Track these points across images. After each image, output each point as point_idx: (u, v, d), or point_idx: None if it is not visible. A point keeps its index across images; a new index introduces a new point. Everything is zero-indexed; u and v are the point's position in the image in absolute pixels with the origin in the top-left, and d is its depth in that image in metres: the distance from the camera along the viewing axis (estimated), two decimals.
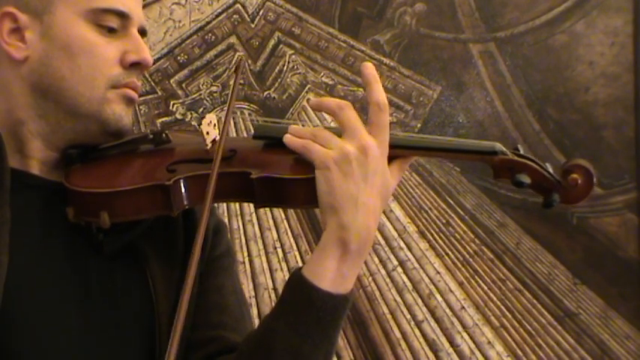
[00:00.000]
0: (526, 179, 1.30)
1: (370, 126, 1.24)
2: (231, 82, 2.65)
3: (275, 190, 1.26)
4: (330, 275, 1.23)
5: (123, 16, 1.31)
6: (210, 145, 1.31)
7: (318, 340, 1.24)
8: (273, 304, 2.52)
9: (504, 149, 1.32)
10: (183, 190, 1.25)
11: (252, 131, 1.38)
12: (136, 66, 1.33)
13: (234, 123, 2.64)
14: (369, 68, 1.27)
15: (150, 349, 1.29)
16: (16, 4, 1.30)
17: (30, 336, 1.22)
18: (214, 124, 1.32)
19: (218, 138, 1.30)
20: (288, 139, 1.27)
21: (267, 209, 2.57)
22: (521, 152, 1.33)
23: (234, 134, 2.55)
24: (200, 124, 1.32)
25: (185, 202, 1.26)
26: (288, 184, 1.25)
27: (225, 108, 1.46)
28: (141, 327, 1.30)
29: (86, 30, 1.30)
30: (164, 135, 1.35)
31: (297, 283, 1.25)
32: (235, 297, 1.43)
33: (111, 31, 1.31)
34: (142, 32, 1.36)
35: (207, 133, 1.31)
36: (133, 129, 1.36)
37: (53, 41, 1.29)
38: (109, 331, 1.28)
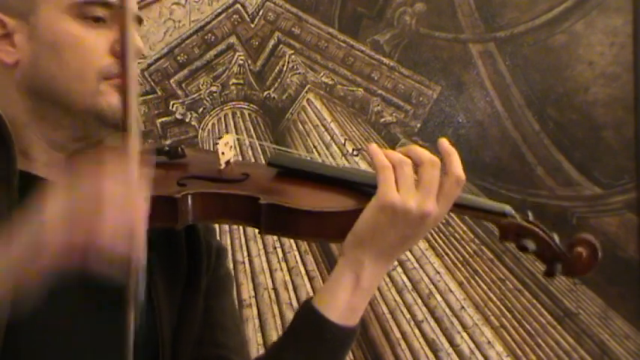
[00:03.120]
0: (531, 245, 1.31)
1: (440, 194, 1.24)
2: (231, 83, 2.65)
3: (282, 219, 1.26)
4: (341, 307, 1.25)
5: (109, 5, 1.28)
6: (224, 165, 1.32)
7: None
8: (273, 303, 2.53)
9: (514, 213, 1.33)
10: (190, 205, 1.26)
11: (266, 156, 1.40)
12: None
13: (234, 123, 2.65)
14: (447, 143, 1.27)
15: (154, 354, 1.29)
16: (2, 9, 1.29)
17: (33, 342, 1.22)
18: (231, 146, 1.33)
19: (233, 160, 1.32)
20: (374, 150, 1.26)
21: None
22: (531, 219, 1.34)
23: (234, 132, 2.55)
24: (217, 143, 1.33)
25: (190, 218, 1.26)
26: (296, 214, 1.25)
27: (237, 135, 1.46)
28: (144, 340, 1.30)
29: (71, 25, 1.27)
30: (180, 149, 1.36)
31: (308, 313, 1.26)
32: (235, 321, 1.44)
33: (98, 20, 1.28)
34: (136, 19, 1.33)
35: (223, 153, 1.32)
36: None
37: (40, 41, 1.28)
38: (112, 342, 1.27)
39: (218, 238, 1.50)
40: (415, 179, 1.24)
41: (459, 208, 1.32)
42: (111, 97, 1.28)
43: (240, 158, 1.45)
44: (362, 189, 1.30)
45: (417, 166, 1.25)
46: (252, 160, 2.46)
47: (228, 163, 1.32)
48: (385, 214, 1.22)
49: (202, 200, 1.25)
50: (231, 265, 2.52)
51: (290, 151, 1.46)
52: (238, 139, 1.29)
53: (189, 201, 1.26)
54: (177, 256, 1.37)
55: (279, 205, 1.25)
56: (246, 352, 1.41)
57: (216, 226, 1.56)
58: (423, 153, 1.26)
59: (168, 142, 1.40)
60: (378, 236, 1.23)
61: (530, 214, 1.35)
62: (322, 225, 1.27)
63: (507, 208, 1.33)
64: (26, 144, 1.30)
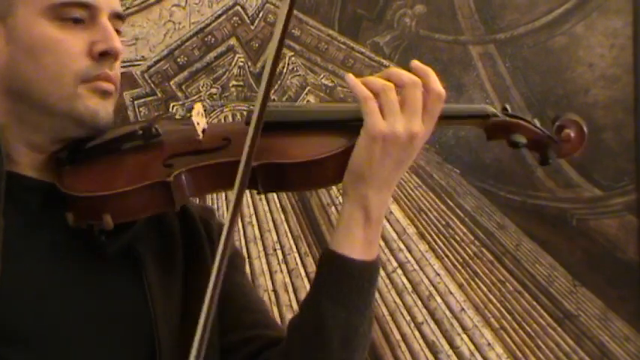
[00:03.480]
0: (522, 139, 1.33)
1: (424, 113, 1.26)
2: (231, 84, 2.65)
3: (277, 176, 1.26)
4: (359, 244, 1.27)
5: (86, 6, 1.26)
6: (201, 135, 1.29)
7: (363, 309, 1.28)
8: (274, 305, 2.53)
9: (495, 111, 1.35)
10: (184, 183, 1.25)
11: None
12: (107, 56, 1.27)
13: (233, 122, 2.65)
14: (419, 63, 1.29)
15: (150, 352, 1.28)
16: None
17: (29, 343, 1.21)
18: (202, 113, 1.31)
19: (207, 127, 1.30)
20: (353, 82, 1.27)
21: (268, 209, 2.57)
22: (510, 112, 1.36)
23: None
24: (190, 114, 1.30)
25: (187, 195, 1.26)
26: (289, 168, 1.25)
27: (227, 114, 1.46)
28: (140, 331, 1.29)
29: (48, 27, 1.25)
30: (154, 129, 1.32)
31: (332, 259, 1.27)
32: (255, 294, 1.46)
33: (77, 22, 1.26)
34: (118, 17, 1.31)
35: (198, 123, 1.29)
36: (111, 122, 1.31)
37: (18, 44, 1.26)
38: (108, 335, 1.27)
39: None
40: (399, 101, 1.25)
41: (444, 119, 1.33)
42: (89, 100, 1.27)
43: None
44: (348, 125, 1.29)
45: (399, 87, 1.26)
46: None
47: (204, 131, 1.30)
48: (377, 144, 1.24)
49: (194, 176, 1.24)
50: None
51: (270, 104, 1.44)
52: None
53: (182, 180, 1.24)
54: (172, 243, 1.35)
55: (270, 163, 1.24)
56: (273, 322, 1.41)
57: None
58: (403, 74, 1.27)
59: (137, 123, 1.36)
60: (376, 167, 1.25)
61: (508, 107, 1.37)
62: (317, 172, 1.27)
63: (489, 109, 1.35)
64: (8, 146, 1.28)
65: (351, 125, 1.28)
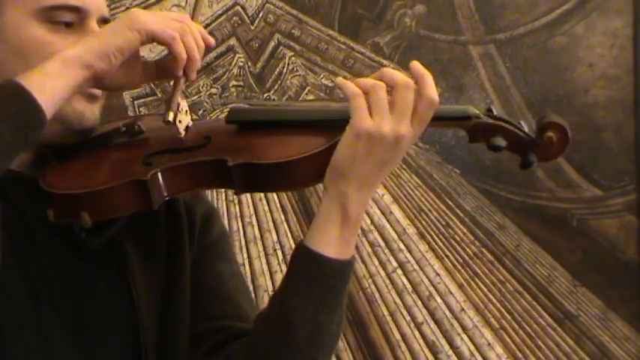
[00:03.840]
0: (501, 142, 1.29)
1: (414, 117, 1.24)
2: (231, 85, 2.65)
3: (254, 176, 1.25)
4: (335, 242, 1.25)
5: (76, 10, 1.27)
6: (183, 132, 1.29)
7: (332, 308, 1.26)
8: None
9: (477, 112, 1.31)
10: (161, 182, 1.24)
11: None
12: None
13: None
14: (418, 65, 1.26)
15: (135, 344, 1.28)
16: None
17: (11, 337, 1.22)
18: (186, 111, 1.30)
19: (191, 124, 1.30)
20: (342, 82, 1.26)
21: (268, 209, 2.57)
22: (495, 113, 1.32)
23: None
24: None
25: (165, 194, 1.25)
26: (267, 168, 1.24)
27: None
28: (124, 325, 1.29)
29: (38, 29, 1.26)
30: (137, 126, 1.32)
31: (304, 255, 1.26)
32: (234, 282, 1.42)
33: (67, 25, 1.27)
34: (105, 22, 1.32)
35: (180, 121, 1.29)
36: (97, 125, 1.32)
37: (6, 45, 1.26)
38: (91, 330, 1.27)
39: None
40: (389, 100, 1.23)
41: None
42: (76, 103, 1.27)
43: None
44: (330, 125, 1.27)
45: (390, 88, 1.24)
46: None
47: (187, 129, 1.29)
48: (361, 141, 1.22)
49: (172, 175, 1.24)
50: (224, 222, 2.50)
51: (251, 102, 1.43)
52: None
53: (160, 179, 1.24)
54: (156, 230, 1.35)
55: (247, 163, 1.23)
56: (244, 313, 1.38)
57: None
58: (396, 75, 1.25)
59: (121, 121, 1.36)
60: (358, 165, 1.23)
61: (493, 108, 1.33)
62: (295, 173, 1.25)
63: (471, 110, 1.31)
64: None
65: (333, 126, 1.26)
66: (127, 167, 1.26)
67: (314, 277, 1.25)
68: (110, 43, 1.18)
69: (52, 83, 1.15)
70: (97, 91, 1.30)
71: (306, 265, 1.26)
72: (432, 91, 1.25)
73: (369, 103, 1.23)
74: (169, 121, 1.22)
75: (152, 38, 1.19)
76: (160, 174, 1.24)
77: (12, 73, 1.23)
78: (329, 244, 1.25)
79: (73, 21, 1.27)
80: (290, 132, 1.29)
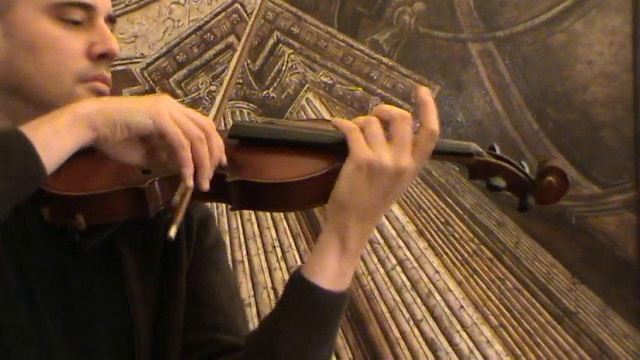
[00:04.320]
0: (501, 182, 1.30)
1: (415, 149, 1.23)
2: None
3: (251, 194, 1.24)
4: (331, 273, 1.24)
5: (87, 7, 1.27)
6: None
7: (322, 339, 1.26)
8: (273, 303, 2.53)
9: (480, 150, 1.31)
10: (158, 191, 1.24)
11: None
12: (104, 57, 1.28)
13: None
14: (426, 93, 1.26)
15: (128, 347, 1.28)
16: None
17: (8, 338, 1.21)
18: None
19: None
20: (337, 120, 1.26)
21: None
22: (498, 152, 1.32)
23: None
24: None
25: (161, 203, 1.24)
26: (264, 187, 1.24)
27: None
28: (118, 328, 1.29)
29: (49, 25, 1.26)
30: None
31: (299, 284, 1.25)
32: (227, 292, 1.41)
33: (76, 23, 1.27)
34: (111, 20, 1.33)
35: None
36: None
37: (16, 40, 1.26)
38: (86, 331, 1.27)
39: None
40: (387, 135, 1.23)
41: None
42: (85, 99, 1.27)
43: None
44: (330, 149, 1.27)
45: (388, 123, 1.24)
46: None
47: None
48: (362, 172, 1.21)
49: (170, 184, 1.22)
50: (224, 228, 2.51)
51: (253, 120, 1.43)
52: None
53: (157, 188, 1.23)
54: (152, 234, 1.34)
55: (245, 181, 1.23)
56: (236, 326, 1.38)
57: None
58: (392, 109, 1.25)
59: None
60: (358, 197, 1.22)
61: (496, 147, 1.33)
62: (292, 195, 1.24)
63: (473, 147, 1.31)
64: None
65: (335, 150, 1.25)
66: (126, 174, 1.25)
67: (306, 307, 1.24)
68: (123, 116, 1.16)
69: (59, 141, 1.14)
70: (106, 89, 1.30)
71: (299, 293, 1.25)
72: (432, 122, 1.24)
73: (365, 136, 1.23)
74: (171, 238, 1.18)
75: (163, 135, 1.17)
76: (157, 183, 1.23)
77: (21, 68, 1.25)
78: (325, 275, 1.24)
79: (82, 18, 1.28)
80: (291, 152, 1.28)
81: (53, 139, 1.13)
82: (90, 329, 1.27)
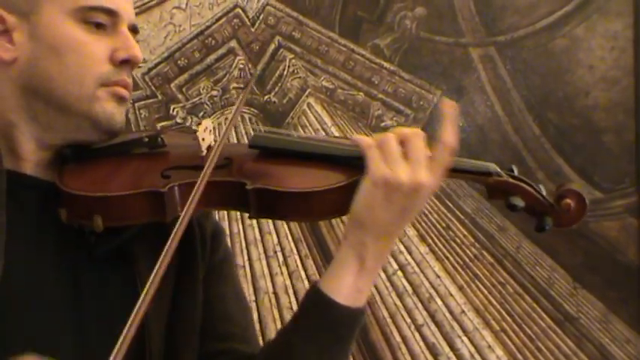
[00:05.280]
0: (520, 202, 1.32)
1: (432, 162, 1.25)
2: (231, 87, 2.65)
3: (270, 203, 1.25)
4: (347, 290, 1.25)
5: (111, 13, 1.30)
6: (205, 151, 1.30)
7: (336, 353, 1.27)
8: (274, 308, 2.53)
9: (499, 170, 1.33)
10: (177, 197, 1.25)
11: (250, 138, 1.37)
12: (126, 63, 1.31)
13: (235, 127, 2.65)
14: (451, 107, 1.27)
15: (139, 351, 1.28)
16: (3, 5, 1.29)
17: (23, 339, 1.22)
18: (210, 130, 1.32)
19: (214, 144, 1.30)
20: (355, 137, 1.28)
21: None
22: (516, 174, 1.34)
23: (235, 140, 2.55)
24: (196, 130, 1.32)
25: (179, 209, 1.25)
26: (283, 196, 1.25)
27: (227, 116, 1.46)
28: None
29: (73, 28, 1.28)
30: (159, 139, 1.34)
31: (316, 298, 1.26)
32: (239, 304, 1.43)
33: (99, 27, 1.29)
34: (134, 30, 1.35)
35: (203, 139, 1.30)
36: (124, 128, 1.34)
37: (41, 41, 1.28)
38: (99, 336, 1.27)
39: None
40: (403, 152, 1.24)
41: (446, 172, 1.31)
42: (106, 103, 1.29)
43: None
44: (349, 162, 1.28)
45: (402, 142, 1.25)
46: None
47: (209, 148, 1.30)
48: (379, 189, 1.22)
49: (188, 191, 1.22)
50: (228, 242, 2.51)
51: (274, 130, 1.45)
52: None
53: (176, 193, 1.25)
54: (166, 243, 1.36)
55: (265, 189, 1.24)
56: (249, 336, 1.40)
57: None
58: (404, 129, 1.27)
59: (144, 132, 1.38)
60: (376, 214, 1.23)
61: (514, 168, 1.34)
62: (310, 205, 1.25)
63: (492, 167, 1.32)
64: (14, 143, 1.30)
65: (353, 164, 1.27)
66: (146, 177, 1.27)
67: (321, 322, 1.26)
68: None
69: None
70: (127, 94, 1.32)
71: (315, 307, 1.27)
72: (449, 137, 1.25)
73: (382, 153, 1.24)
74: None
75: None
76: (176, 188, 1.25)
77: (44, 70, 1.27)
78: (341, 291, 1.25)
79: (106, 23, 1.30)
80: (310, 164, 1.30)
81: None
82: (101, 333, 1.28)
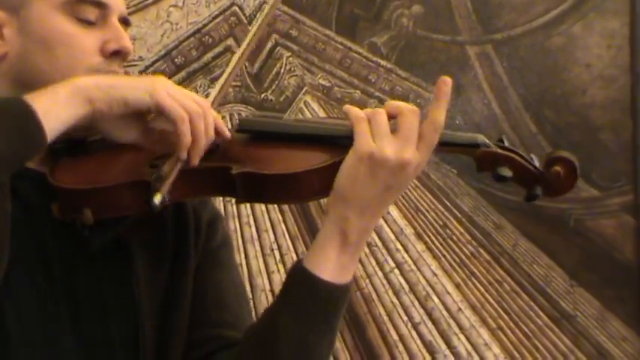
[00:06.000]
0: (507, 173, 1.28)
1: (419, 141, 1.23)
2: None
3: (256, 186, 1.24)
4: (331, 266, 1.24)
5: (101, 6, 1.30)
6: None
7: (323, 330, 1.25)
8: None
9: (487, 141, 1.30)
10: None
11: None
12: (117, 55, 1.31)
13: (232, 125, 2.64)
14: (447, 85, 1.27)
15: (134, 344, 1.29)
16: None
17: (15, 333, 1.22)
18: None
19: None
20: (348, 107, 1.26)
21: (265, 209, 2.58)
22: (506, 144, 1.31)
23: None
24: None
25: (167, 198, 1.23)
26: (269, 179, 1.24)
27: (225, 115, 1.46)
28: (124, 327, 1.30)
29: (63, 22, 1.28)
30: None
31: (300, 275, 1.25)
32: (234, 291, 1.42)
33: (90, 21, 1.29)
34: (124, 21, 1.34)
35: None
36: None
37: (31, 36, 1.28)
38: (92, 327, 1.28)
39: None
40: (393, 129, 1.22)
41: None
42: None
43: None
44: (336, 142, 1.26)
45: (395, 116, 1.24)
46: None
47: None
48: (364, 164, 1.21)
49: (177, 178, 1.23)
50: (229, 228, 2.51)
51: (263, 114, 1.44)
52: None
53: None
54: (163, 234, 1.35)
55: (250, 172, 1.23)
56: (241, 323, 1.38)
57: None
58: (401, 103, 1.25)
59: None
60: (360, 189, 1.22)
61: (505, 139, 1.32)
62: (297, 186, 1.24)
63: (480, 138, 1.30)
64: None
65: (340, 143, 1.25)
66: (134, 168, 1.26)
67: (306, 298, 1.24)
68: (120, 91, 1.18)
69: (57, 110, 1.15)
70: None
71: (299, 284, 1.25)
72: (438, 114, 1.24)
73: (371, 127, 1.22)
74: (155, 205, 1.19)
75: (161, 111, 1.18)
76: None
77: (35, 64, 1.27)
78: (326, 267, 1.24)
79: (95, 16, 1.30)
80: (297, 146, 1.28)
81: (52, 108, 1.14)
82: (96, 328, 1.28)
